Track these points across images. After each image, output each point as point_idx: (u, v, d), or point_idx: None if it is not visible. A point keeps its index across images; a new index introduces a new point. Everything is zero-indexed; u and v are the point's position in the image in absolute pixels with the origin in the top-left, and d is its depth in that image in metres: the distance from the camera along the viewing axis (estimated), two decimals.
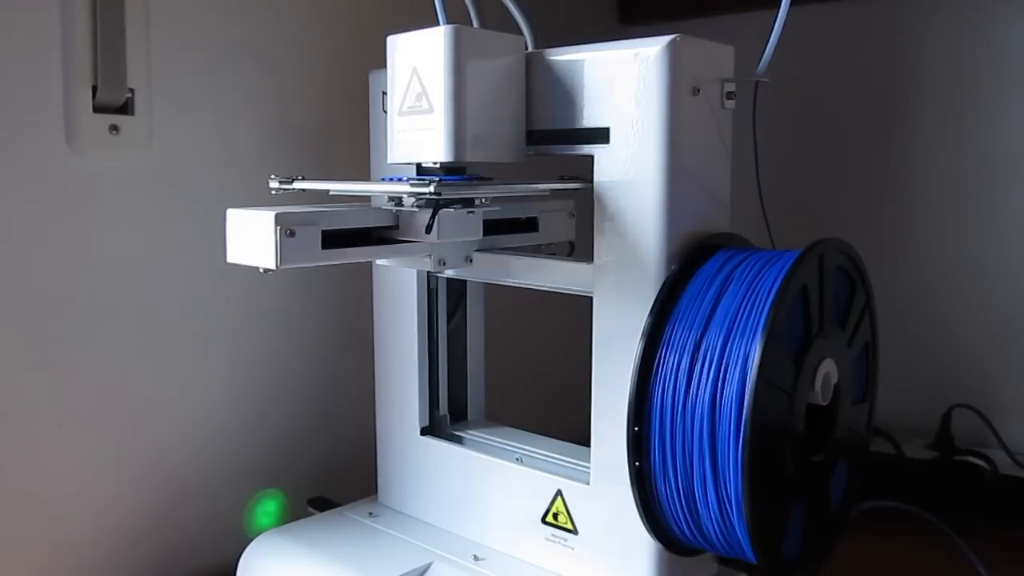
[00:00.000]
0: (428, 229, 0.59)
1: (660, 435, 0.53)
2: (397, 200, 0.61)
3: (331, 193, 0.65)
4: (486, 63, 0.60)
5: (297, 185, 0.63)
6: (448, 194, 0.56)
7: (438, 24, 0.61)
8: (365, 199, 0.72)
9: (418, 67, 0.59)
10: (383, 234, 0.62)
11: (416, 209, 0.60)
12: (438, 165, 0.60)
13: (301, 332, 0.85)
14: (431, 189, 0.55)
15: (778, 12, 0.58)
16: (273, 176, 0.64)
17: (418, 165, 0.62)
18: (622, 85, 0.58)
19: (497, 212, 0.68)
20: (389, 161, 0.63)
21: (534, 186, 0.63)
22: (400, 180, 0.59)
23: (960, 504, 0.87)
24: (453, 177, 0.60)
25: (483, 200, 0.60)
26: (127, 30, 0.69)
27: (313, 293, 0.86)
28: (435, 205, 0.58)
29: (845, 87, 1.08)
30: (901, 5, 1.04)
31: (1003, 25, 0.98)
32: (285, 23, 0.81)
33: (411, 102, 0.60)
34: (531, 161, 0.64)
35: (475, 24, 0.68)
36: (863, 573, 0.77)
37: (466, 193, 0.59)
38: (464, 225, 0.62)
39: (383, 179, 0.61)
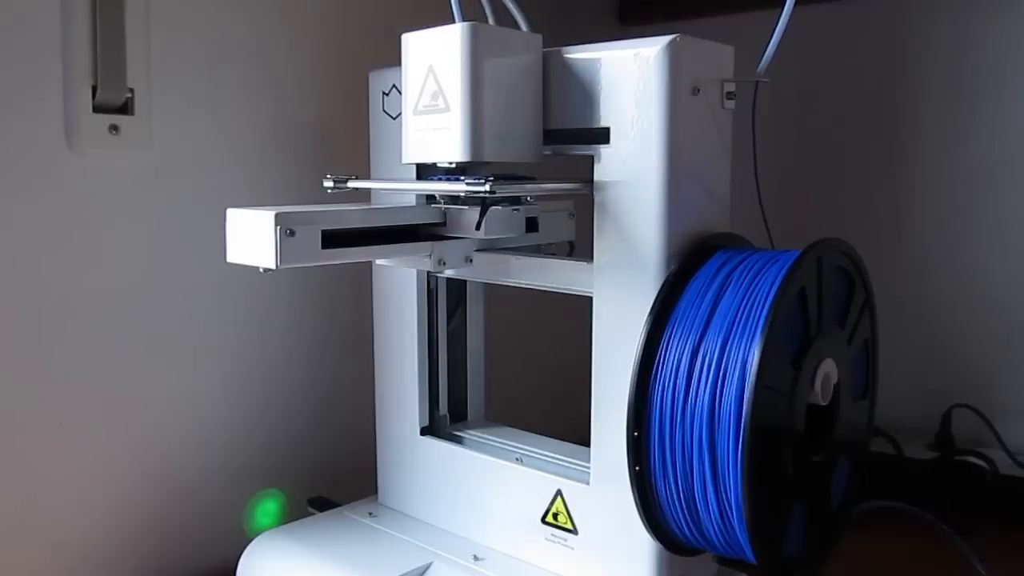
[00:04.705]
0: (479, 226, 0.60)
1: (660, 438, 0.53)
2: (448, 199, 0.63)
3: (381, 192, 0.66)
4: (504, 61, 0.59)
5: (351, 184, 0.64)
6: (501, 192, 0.57)
7: (450, 22, 0.60)
8: (366, 200, 0.72)
9: (434, 65, 0.59)
10: (431, 231, 0.64)
11: (465, 207, 0.62)
12: (453, 165, 0.59)
13: (301, 332, 0.85)
14: (487, 188, 0.56)
15: (782, 12, 0.58)
16: (328, 176, 0.64)
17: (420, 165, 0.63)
18: (622, 85, 0.57)
19: (537, 210, 0.69)
20: (404, 161, 0.62)
21: (575, 185, 0.63)
22: (450, 179, 0.60)
23: (960, 504, 0.87)
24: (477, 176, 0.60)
25: (528, 199, 0.62)
26: (127, 30, 0.69)
27: (313, 293, 0.86)
28: (483, 203, 0.59)
29: (845, 87, 1.08)
30: (901, 5, 1.04)
31: (1003, 25, 0.98)
32: (285, 23, 0.81)
33: (427, 101, 0.60)
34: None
35: (490, 21, 0.67)
36: (863, 573, 0.77)
37: (516, 191, 0.59)
38: (510, 222, 0.63)
39: (431, 178, 0.62)
